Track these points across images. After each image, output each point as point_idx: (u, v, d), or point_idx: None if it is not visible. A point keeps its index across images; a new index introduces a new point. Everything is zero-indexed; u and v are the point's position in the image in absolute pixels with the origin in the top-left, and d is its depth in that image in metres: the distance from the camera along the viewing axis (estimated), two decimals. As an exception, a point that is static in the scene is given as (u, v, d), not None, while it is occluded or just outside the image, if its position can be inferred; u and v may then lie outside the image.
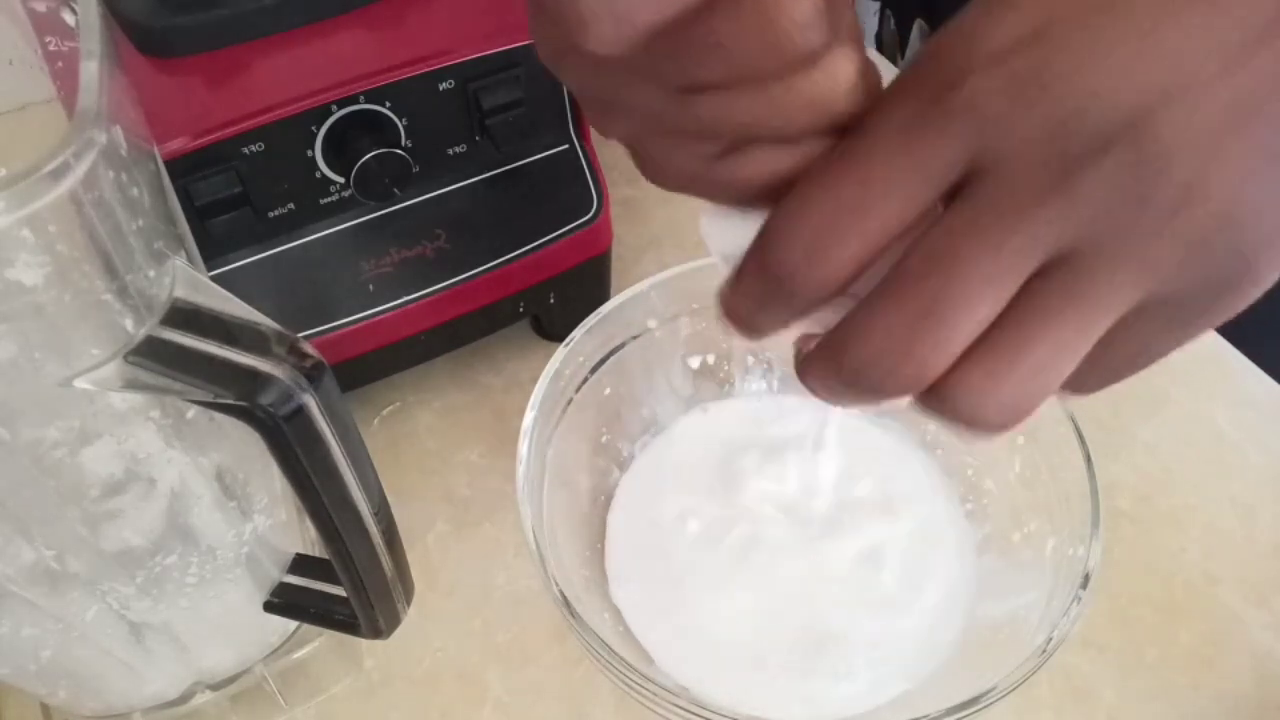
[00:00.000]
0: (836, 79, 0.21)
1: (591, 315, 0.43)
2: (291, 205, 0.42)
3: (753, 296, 0.23)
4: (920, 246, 0.20)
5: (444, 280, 0.46)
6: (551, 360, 0.41)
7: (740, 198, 0.24)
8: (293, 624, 0.40)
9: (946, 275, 0.20)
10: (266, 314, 0.27)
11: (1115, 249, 0.20)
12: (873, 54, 0.73)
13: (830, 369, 0.22)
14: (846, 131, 0.21)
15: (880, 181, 0.20)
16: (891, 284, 0.21)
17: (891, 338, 0.21)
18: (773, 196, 0.22)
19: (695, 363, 0.48)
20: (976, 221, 0.20)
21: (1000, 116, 0.19)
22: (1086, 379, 0.23)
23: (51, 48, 0.30)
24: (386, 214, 0.45)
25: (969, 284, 0.20)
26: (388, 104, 0.41)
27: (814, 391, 0.23)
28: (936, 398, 0.22)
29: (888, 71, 0.45)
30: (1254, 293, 0.20)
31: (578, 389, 0.43)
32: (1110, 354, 0.22)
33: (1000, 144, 0.19)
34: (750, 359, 0.48)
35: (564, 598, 0.35)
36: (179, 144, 0.38)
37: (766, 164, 0.22)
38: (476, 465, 0.50)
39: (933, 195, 0.20)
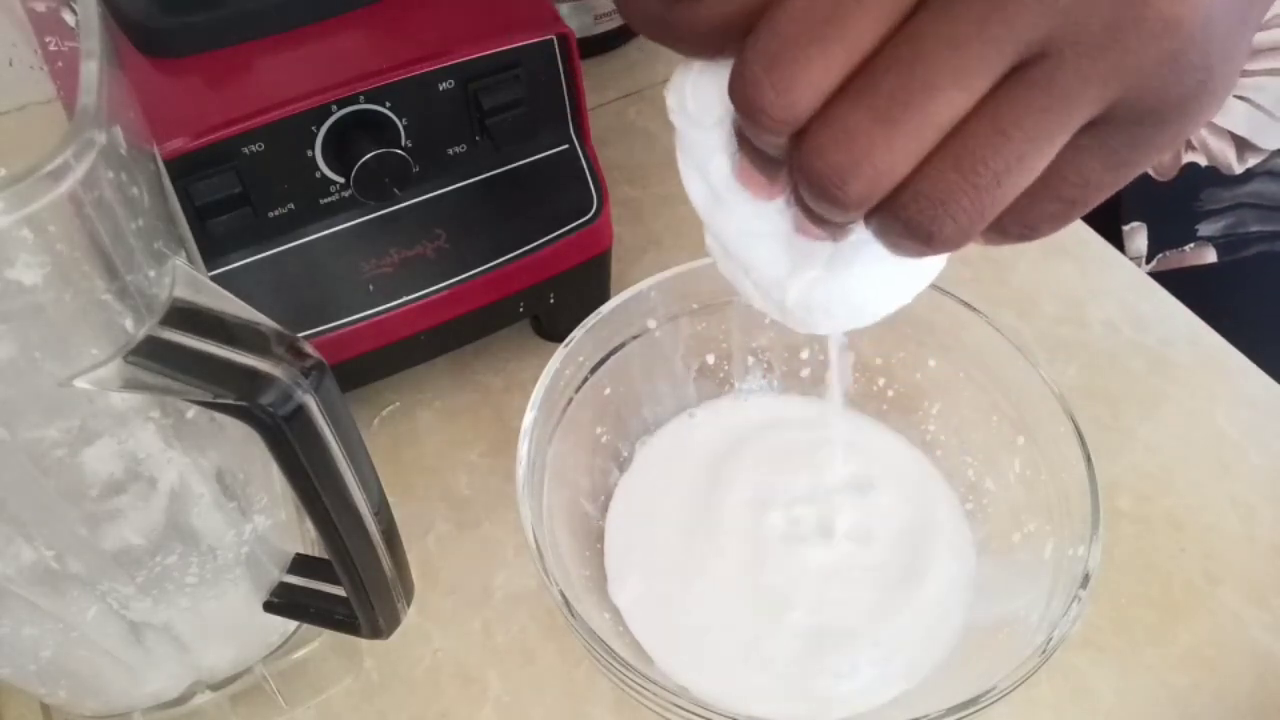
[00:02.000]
0: None
1: (591, 315, 0.43)
2: (291, 205, 0.42)
3: (753, 145, 0.23)
4: (887, 46, 0.20)
5: (444, 280, 0.46)
6: (551, 360, 0.41)
7: (701, 42, 0.23)
8: (293, 624, 0.40)
9: (911, 72, 0.20)
10: (266, 314, 0.27)
11: (1087, 48, 0.19)
12: None
13: (797, 172, 0.22)
14: None
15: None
16: (855, 82, 0.20)
17: (853, 135, 0.20)
18: (736, 41, 0.22)
19: (695, 363, 0.48)
20: (946, 16, 0.19)
21: None
22: (1023, 214, 0.22)
23: (51, 48, 0.30)
24: (386, 214, 0.45)
25: (937, 80, 0.20)
26: (388, 104, 0.41)
27: (808, 211, 0.23)
28: (894, 203, 0.21)
29: None
30: (1204, 113, 0.21)
31: (578, 389, 0.43)
32: (1054, 182, 0.22)
33: None
34: (750, 359, 0.48)
35: (564, 598, 0.36)
36: (179, 144, 0.38)
37: (722, 4, 0.22)
38: (476, 465, 0.50)
39: (902, 6, 0.20)
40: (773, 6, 0.21)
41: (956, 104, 0.20)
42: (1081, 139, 0.21)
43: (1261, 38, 0.57)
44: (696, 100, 0.25)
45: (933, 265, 0.28)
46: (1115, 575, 0.45)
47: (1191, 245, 0.65)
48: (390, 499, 0.32)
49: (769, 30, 0.20)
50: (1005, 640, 0.38)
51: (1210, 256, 0.65)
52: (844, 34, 0.20)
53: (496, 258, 0.46)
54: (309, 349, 0.26)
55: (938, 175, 0.20)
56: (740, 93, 0.21)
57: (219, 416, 0.27)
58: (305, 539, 0.39)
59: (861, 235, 0.24)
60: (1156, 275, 0.58)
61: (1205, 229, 0.65)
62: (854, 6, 0.20)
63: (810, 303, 0.27)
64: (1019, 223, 0.22)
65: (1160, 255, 0.66)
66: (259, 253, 0.43)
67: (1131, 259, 0.65)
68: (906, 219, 0.21)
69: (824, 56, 0.20)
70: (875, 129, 0.20)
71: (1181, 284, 0.57)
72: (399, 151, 0.41)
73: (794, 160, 0.22)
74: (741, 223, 0.27)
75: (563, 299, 0.50)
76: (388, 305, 0.45)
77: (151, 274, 0.26)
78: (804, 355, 0.48)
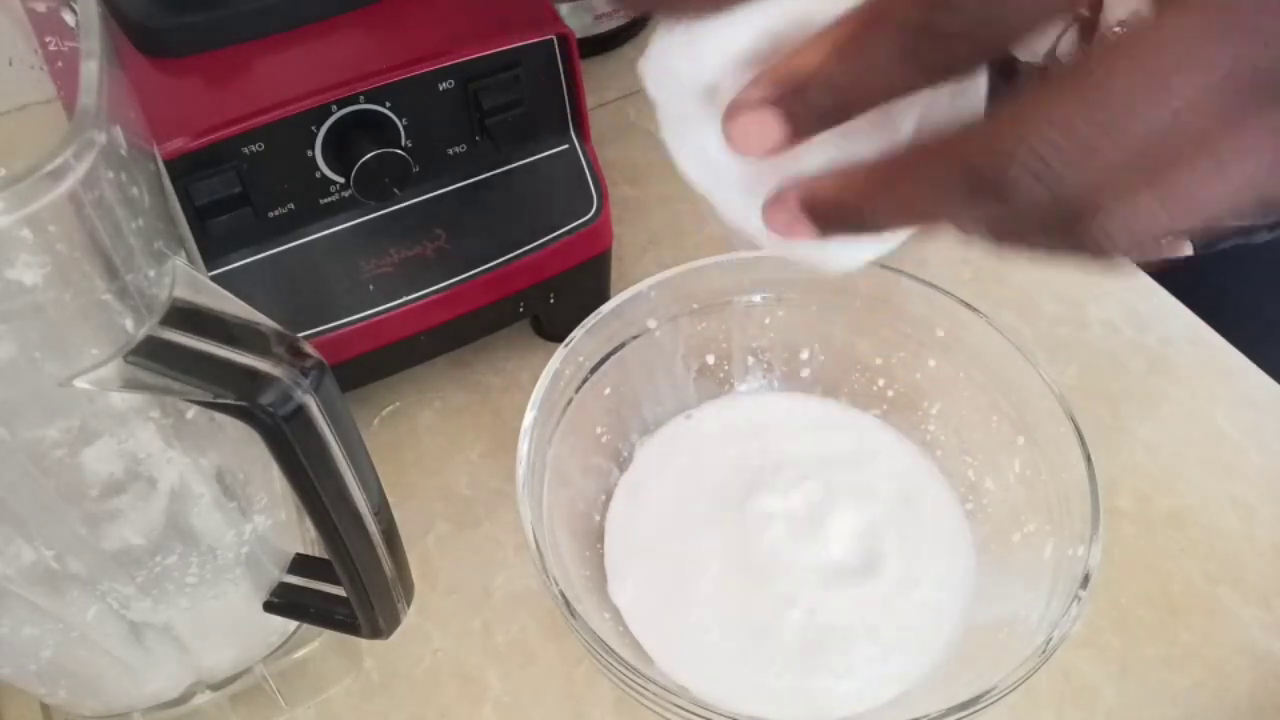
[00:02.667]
0: None
1: (591, 315, 0.43)
2: (291, 205, 0.42)
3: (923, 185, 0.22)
4: (1121, 46, 0.19)
5: (444, 280, 0.46)
6: (551, 360, 0.41)
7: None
8: (293, 624, 0.40)
9: (1146, 79, 0.19)
10: (266, 314, 0.27)
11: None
12: None
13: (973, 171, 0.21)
14: None
15: (1145, 88, 0.19)
16: (1077, 71, 0.20)
17: (1079, 129, 0.20)
18: None
19: (695, 363, 0.48)
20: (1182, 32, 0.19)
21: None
22: None
23: (51, 48, 0.30)
24: (386, 214, 0.45)
25: (1169, 92, 0.19)
26: (388, 104, 0.41)
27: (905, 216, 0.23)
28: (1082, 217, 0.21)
29: None
30: None
31: (578, 389, 0.43)
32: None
33: None
34: (750, 359, 0.48)
35: (564, 598, 0.36)
36: (179, 144, 0.38)
37: None
38: (476, 465, 0.50)
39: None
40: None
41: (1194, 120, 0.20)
42: None
43: None
44: (691, 64, 0.24)
45: None
46: (1115, 575, 0.45)
47: (1167, 238, 0.65)
48: (390, 499, 0.32)
49: (1055, 104, 0.20)
50: (1005, 640, 0.38)
51: (1186, 250, 0.65)
52: (1144, 122, 0.20)
53: (496, 258, 0.46)
54: (309, 349, 0.26)
55: (1138, 192, 0.21)
56: (1008, 169, 0.20)
57: (219, 416, 0.27)
58: (305, 539, 0.39)
59: None
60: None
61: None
62: (1157, 97, 0.19)
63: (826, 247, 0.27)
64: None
65: None
66: (259, 253, 0.43)
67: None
68: (1087, 234, 0.21)
69: (1121, 142, 0.20)
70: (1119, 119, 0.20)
71: (1174, 273, 0.57)
72: (399, 151, 0.41)
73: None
74: (741, 186, 0.26)
75: (563, 299, 0.50)
76: (388, 305, 0.45)
77: (151, 274, 0.26)
78: (804, 355, 0.48)
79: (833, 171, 0.24)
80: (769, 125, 0.23)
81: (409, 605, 0.35)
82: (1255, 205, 0.21)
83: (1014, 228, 0.22)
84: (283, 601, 0.37)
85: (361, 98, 0.41)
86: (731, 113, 0.24)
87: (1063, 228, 0.21)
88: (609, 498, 0.45)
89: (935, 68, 0.21)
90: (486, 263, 0.46)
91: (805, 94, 0.23)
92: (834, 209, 0.24)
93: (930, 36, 0.20)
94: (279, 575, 0.37)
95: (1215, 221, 0.21)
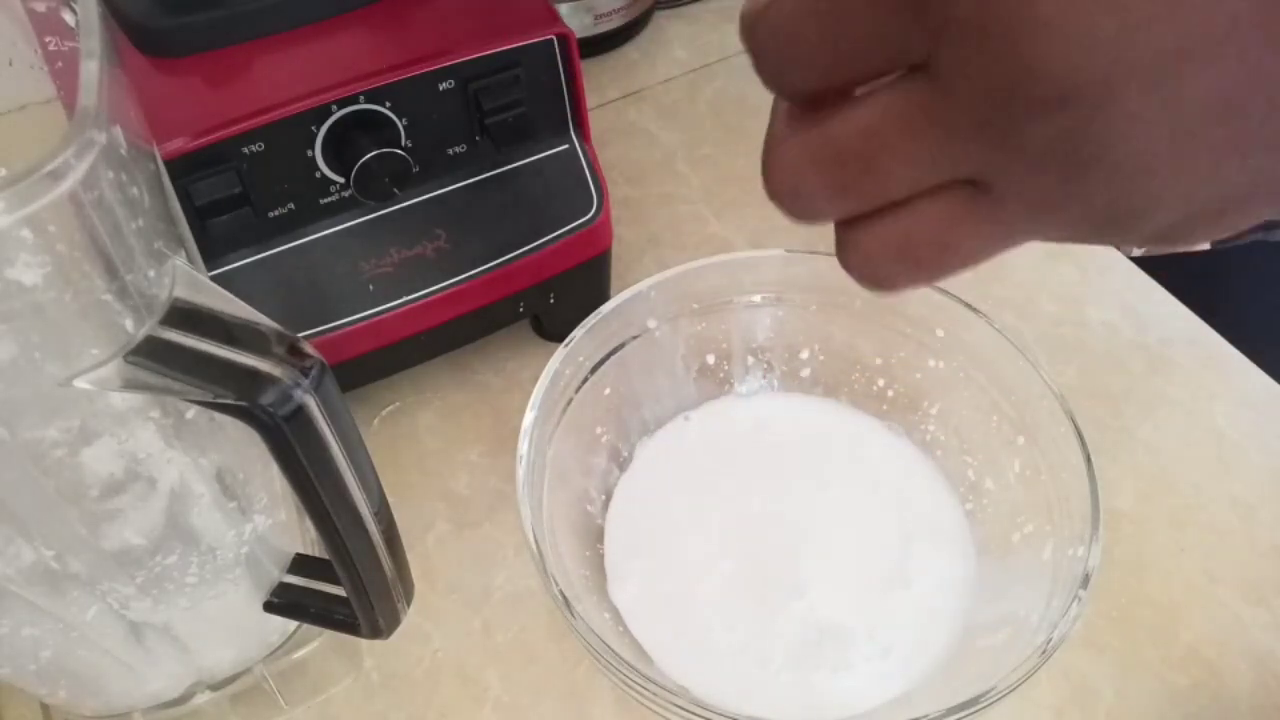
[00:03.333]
0: None
1: (591, 315, 0.43)
2: (291, 205, 0.42)
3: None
4: (862, 106, 0.21)
5: (444, 280, 0.46)
6: (551, 360, 0.42)
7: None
8: (293, 624, 0.40)
9: (870, 160, 0.21)
10: (266, 314, 0.27)
11: (1034, 199, 0.20)
12: None
13: (765, 176, 0.23)
14: None
15: (835, 25, 0.20)
16: (820, 141, 0.21)
17: (808, 185, 0.22)
18: None
19: (695, 363, 0.48)
20: (914, 124, 0.20)
21: (962, 46, 0.19)
22: None
23: (51, 48, 0.30)
24: (386, 214, 0.45)
25: (889, 174, 0.21)
26: (388, 104, 0.41)
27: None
28: (843, 257, 0.23)
29: None
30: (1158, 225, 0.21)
31: (578, 389, 0.43)
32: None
33: (955, 60, 0.19)
34: (750, 359, 0.48)
35: (564, 598, 0.36)
36: (179, 144, 0.38)
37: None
38: (476, 465, 0.50)
39: (889, 60, 0.20)
40: None
41: (902, 192, 0.21)
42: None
43: None
44: None
45: None
46: (1115, 575, 0.45)
47: None
48: (390, 499, 0.32)
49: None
50: (1005, 640, 0.38)
51: (1203, 244, 0.65)
52: (837, 52, 0.21)
53: (496, 258, 0.46)
54: (309, 349, 0.26)
55: (880, 259, 0.22)
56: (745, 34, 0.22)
57: (219, 416, 0.27)
58: (305, 539, 0.39)
59: None
60: (1147, 261, 0.57)
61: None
62: (850, 41, 0.20)
63: None
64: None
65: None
66: (259, 253, 0.43)
67: (1122, 245, 0.64)
68: (852, 274, 0.23)
69: (814, 61, 0.21)
70: (827, 189, 0.22)
71: (1173, 272, 0.57)
72: (399, 151, 0.41)
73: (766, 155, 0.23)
74: None
75: (563, 299, 0.50)
76: (388, 305, 0.45)
77: (151, 274, 0.26)
78: (804, 355, 0.48)
79: None
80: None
81: (409, 605, 0.35)
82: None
83: None
84: (283, 601, 0.37)
85: (361, 98, 0.41)
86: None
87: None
88: (609, 498, 0.45)
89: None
90: (486, 263, 0.46)
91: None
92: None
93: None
94: (279, 575, 0.37)
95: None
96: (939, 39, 0.19)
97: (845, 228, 0.23)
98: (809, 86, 0.21)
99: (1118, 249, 0.62)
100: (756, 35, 0.21)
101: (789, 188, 0.22)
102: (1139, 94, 0.18)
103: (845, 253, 0.23)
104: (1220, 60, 0.18)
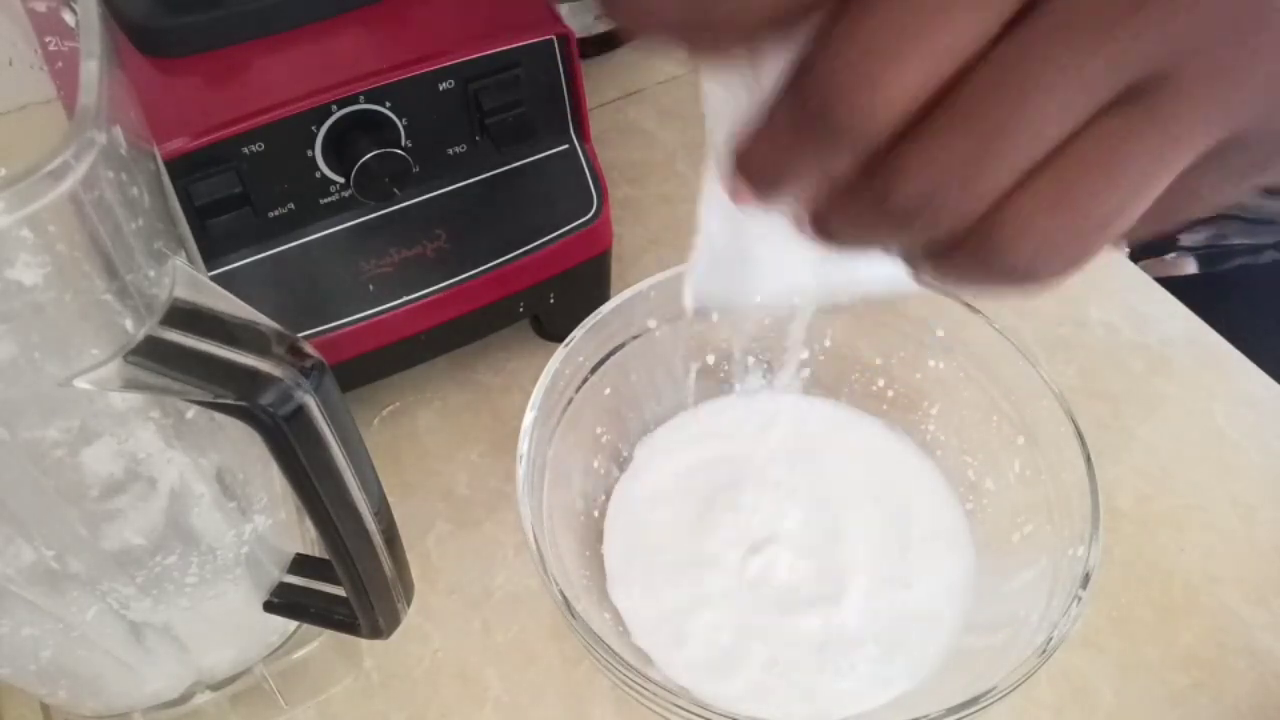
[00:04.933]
0: None
1: (591, 315, 0.43)
2: (291, 205, 0.42)
3: (782, 137, 0.20)
4: (985, 65, 0.18)
5: (444, 280, 0.46)
6: (551, 360, 0.41)
7: (742, 36, 0.19)
8: (293, 624, 0.40)
9: (1017, 98, 0.17)
10: (266, 314, 0.27)
11: (1204, 81, 0.17)
12: None
13: (872, 205, 0.19)
14: None
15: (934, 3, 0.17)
16: (953, 105, 0.18)
17: (950, 164, 0.18)
18: (777, 35, 0.19)
19: (695, 363, 0.48)
20: (1052, 38, 0.17)
21: None
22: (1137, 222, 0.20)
23: (51, 48, 0.30)
24: (386, 214, 0.45)
25: (1041, 108, 0.17)
26: (388, 104, 0.41)
27: (835, 236, 0.21)
28: (986, 240, 0.19)
29: None
30: None
31: (578, 389, 0.43)
32: (1172, 195, 0.19)
33: None
34: (750, 359, 0.48)
35: (564, 598, 0.36)
36: (179, 144, 0.38)
37: None
38: (476, 465, 0.50)
39: (1007, 11, 0.17)
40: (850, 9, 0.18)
41: (1057, 134, 0.18)
42: (1201, 159, 0.19)
43: None
44: (727, 110, 0.23)
45: None
46: (1115, 575, 0.45)
47: (1173, 255, 0.65)
48: (390, 499, 0.32)
49: (859, 19, 0.18)
50: (1005, 640, 0.38)
51: (1190, 268, 0.65)
52: (948, 31, 0.17)
53: (496, 258, 0.46)
54: (309, 349, 0.26)
55: (1040, 215, 0.19)
56: (816, 93, 0.18)
57: (219, 416, 0.27)
58: (305, 539, 0.39)
59: None
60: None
61: (1187, 239, 0.65)
62: (952, 11, 0.17)
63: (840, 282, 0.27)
64: (1140, 228, 0.20)
65: (1140, 263, 0.66)
66: (259, 253, 0.43)
67: None
68: (1003, 261, 0.19)
69: (923, 56, 0.17)
70: (972, 162, 0.18)
71: (1166, 278, 0.57)
72: (399, 151, 0.41)
73: (866, 182, 0.19)
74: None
75: (563, 299, 0.50)
76: (388, 305, 0.45)
77: (151, 274, 0.26)
78: (804, 355, 0.48)
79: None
80: (745, 196, 0.23)
81: (409, 605, 0.35)
82: (1181, 215, 0.20)
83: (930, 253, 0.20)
84: (283, 601, 0.37)
85: (361, 98, 0.41)
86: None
87: (969, 258, 0.20)
88: (609, 498, 0.45)
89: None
90: (486, 263, 0.46)
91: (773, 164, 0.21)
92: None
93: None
94: (279, 575, 0.37)
95: (1139, 235, 0.20)
96: None
97: (994, 209, 0.19)
98: (921, 82, 0.18)
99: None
100: None
101: (923, 170, 0.18)
102: None
103: (996, 233, 0.19)
104: None
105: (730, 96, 0.22)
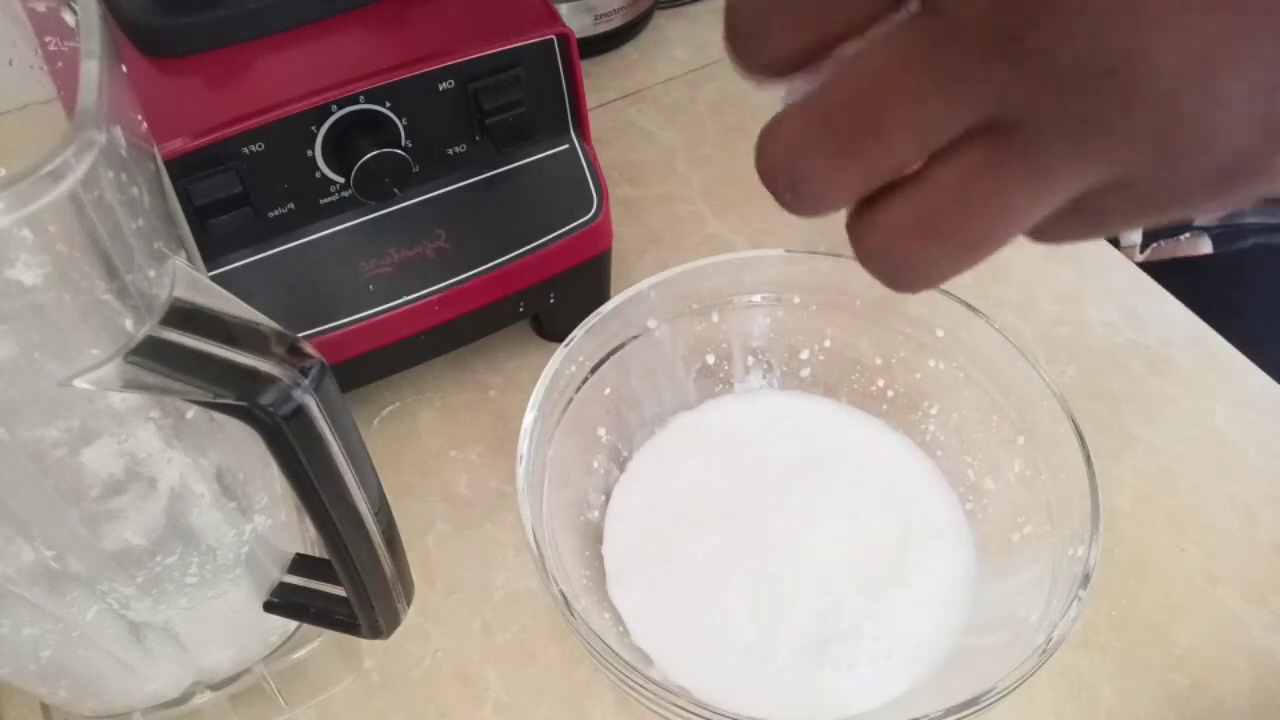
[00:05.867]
0: None
1: (591, 315, 0.43)
2: (291, 205, 0.42)
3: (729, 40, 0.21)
4: (855, 65, 0.18)
5: (444, 280, 0.46)
6: (551, 360, 0.42)
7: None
8: (293, 624, 0.40)
9: (869, 108, 0.18)
10: (266, 314, 0.27)
11: (1057, 126, 0.17)
12: None
13: (758, 158, 0.20)
14: None
15: None
16: (817, 97, 0.19)
17: (808, 152, 0.19)
18: None
19: (695, 363, 0.48)
20: (912, 58, 0.17)
21: None
22: (1040, 234, 0.20)
23: (51, 48, 0.30)
24: (386, 214, 0.45)
25: (892, 127, 0.18)
26: (388, 104, 0.41)
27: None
28: (860, 248, 0.20)
29: None
30: (1249, 192, 0.18)
31: (578, 389, 0.43)
32: (1080, 215, 0.19)
33: None
34: (750, 359, 0.48)
35: (564, 598, 0.36)
36: (179, 144, 0.38)
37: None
38: (476, 465, 0.50)
39: (877, 12, 0.18)
40: None
41: (911, 152, 0.19)
42: (1088, 193, 0.19)
43: None
44: None
45: None
46: (1115, 575, 0.45)
47: (1187, 235, 0.65)
48: (390, 499, 0.32)
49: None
50: (1005, 640, 0.38)
51: (1205, 248, 0.65)
52: (819, 22, 0.19)
53: (496, 258, 0.46)
54: (309, 349, 0.26)
55: (899, 239, 0.19)
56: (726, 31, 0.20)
57: (219, 416, 0.27)
58: (305, 539, 0.39)
59: None
60: (1150, 265, 0.58)
61: (1201, 218, 0.64)
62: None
63: None
64: (1032, 236, 0.20)
65: (1154, 245, 0.65)
66: (259, 253, 0.43)
67: (1124, 248, 0.64)
68: (873, 269, 0.20)
69: (791, 35, 0.19)
70: (828, 156, 0.19)
71: (1176, 276, 0.57)
72: (399, 151, 0.41)
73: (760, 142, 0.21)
74: None
75: (563, 299, 0.50)
76: (388, 305, 0.45)
77: (151, 274, 0.26)
78: (804, 355, 0.48)
79: None
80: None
81: (409, 605, 0.35)
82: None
83: None
84: (283, 601, 0.37)
85: (361, 98, 0.41)
86: None
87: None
88: (609, 498, 0.45)
89: None
90: (486, 263, 0.46)
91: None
92: None
93: None
94: (279, 575, 0.37)
95: (1058, 240, 0.20)
96: None
97: (857, 214, 0.20)
98: (786, 47, 0.19)
99: (1120, 245, 0.62)
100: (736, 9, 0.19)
101: (783, 162, 0.19)
102: None
103: (860, 240, 0.20)
104: None
105: None
